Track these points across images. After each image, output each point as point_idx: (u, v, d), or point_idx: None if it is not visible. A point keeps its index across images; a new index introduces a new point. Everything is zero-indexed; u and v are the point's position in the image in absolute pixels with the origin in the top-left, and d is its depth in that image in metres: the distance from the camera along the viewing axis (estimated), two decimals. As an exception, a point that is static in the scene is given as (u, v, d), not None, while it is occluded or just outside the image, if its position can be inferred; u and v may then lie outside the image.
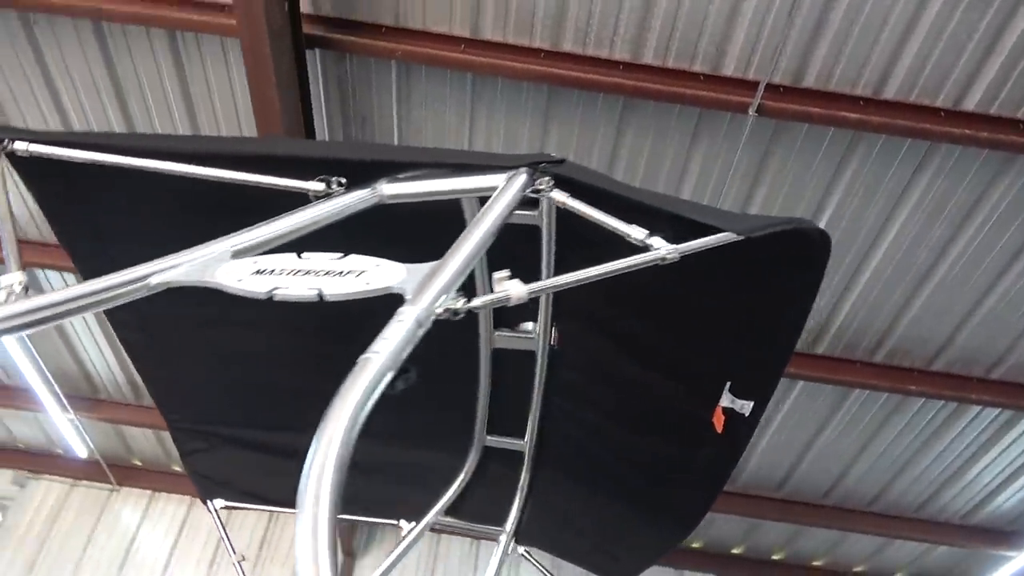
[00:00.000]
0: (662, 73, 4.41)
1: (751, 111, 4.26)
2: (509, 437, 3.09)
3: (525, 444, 2.99)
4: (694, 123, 4.65)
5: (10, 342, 6.48)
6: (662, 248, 1.73)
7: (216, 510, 3.39)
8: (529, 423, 2.90)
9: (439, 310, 1.52)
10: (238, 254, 1.78)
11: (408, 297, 1.52)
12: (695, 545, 8.57)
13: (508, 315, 2.70)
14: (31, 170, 2.20)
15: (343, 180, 2.04)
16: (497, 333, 2.74)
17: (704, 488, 2.65)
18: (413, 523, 3.43)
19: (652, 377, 2.58)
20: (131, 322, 2.73)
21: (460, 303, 1.55)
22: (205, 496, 3.38)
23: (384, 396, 3.08)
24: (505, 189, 1.97)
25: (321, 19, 4.47)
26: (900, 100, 4.32)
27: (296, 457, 2.96)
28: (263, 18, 3.83)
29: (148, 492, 8.60)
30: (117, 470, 8.49)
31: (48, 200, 2.37)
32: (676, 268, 2.18)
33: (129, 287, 1.73)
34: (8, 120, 5.31)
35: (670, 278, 2.09)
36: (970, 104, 4.28)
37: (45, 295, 1.68)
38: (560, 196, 2.01)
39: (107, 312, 2.68)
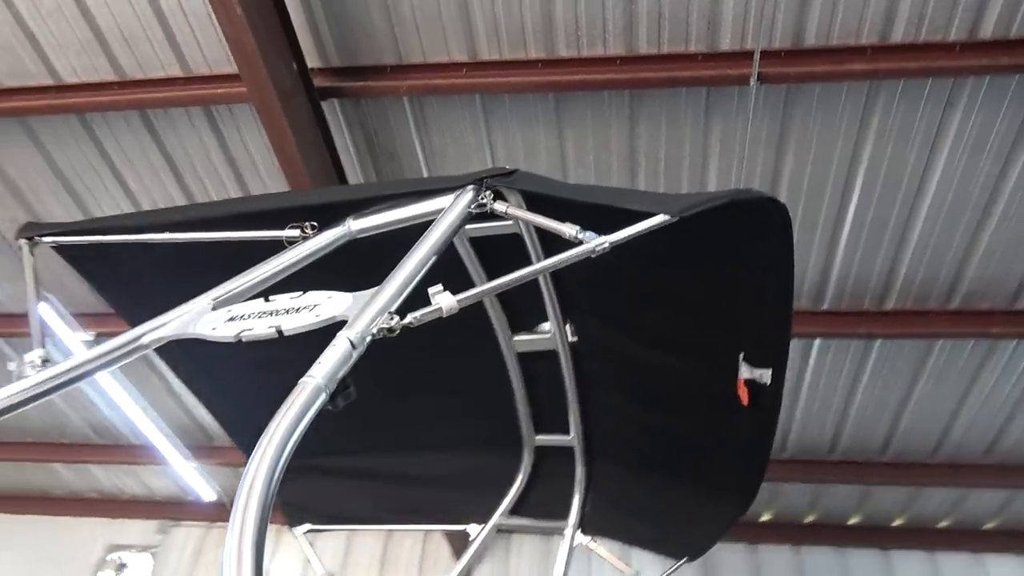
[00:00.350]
0: (659, 60, 4.44)
1: (752, 81, 4.22)
2: (557, 434, 3.22)
3: (572, 439, 3.11)
4: (703, 103, 4.64)
5: (132, 405, 7.18)
6: (592, 241, 1.84)
7: (302, 535, 3.68)
8: (571, 418, 3.01)
9: (374, 331, 1.66)
10: (218, 304, 2.02)
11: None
12: (810, 519, 8.37)
13: (525, 320, 2.85)
14: (65, 253, 2.56)
15: (315, 224, 2.26)
16: (516, 338, 2.88)
17: (750, 460, 2.70)
18: (480, 526, 3.60)
19: (670, 361, 2.67)
20: (191, 371, 3.06)
21: (394, 321, 1.68)
22: (292, 523, 3.68)
23: (432, 409, 3.26)
24: (451, 208, 2.13)
25: (330, 71, 4.77)
26: (909, 42, 4.16)
27: (370, 478, 3.22)
28: (269, 82, 4.15)
29: (275, 526, 9.20)
30: (244, 510, 9.11)
31: (86, 271, 2.73)
32: (663, 258, 2.31)
33: (128, 347, 2.00)
34: (87, 210, 5.91)
35: (659, 268, 2.23)
36: (985, 33, 4.07)
37: (59, 365, 1.97)
38: (501, 207, 2.16)
39: (168, 364, 3.03)
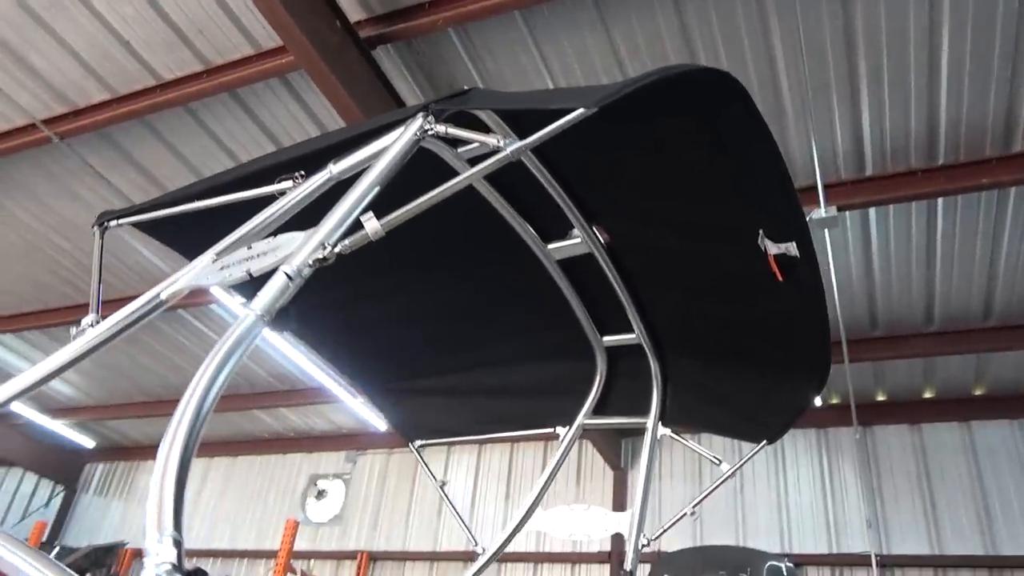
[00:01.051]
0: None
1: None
2: (622, 334, 3.24)
3: (636, 336, 3.14)
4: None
5: (300, 356, 8.11)
6: (509, 148, 1.92)
7: (416, 448, 4.06)
8: (629, 316, 3.03)
9: (310, 262, 1.78)
10: (218, 257, 2.32)
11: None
12: (978, 392, 7.81)
13: (555, 232, 2.94)
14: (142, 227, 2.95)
15: (302, 172, 2.48)
16: (551, 247, 2.95)
17: (811, 337, 2.66)
18: (566, 427, 3.80)
19: (703, 248, 2.62)
20: (291, 325, 3.41)
21: (327, 251, 1.79)
22: (408, 439, 4.08)
23: (503, 327, 3.48)
24: (399, 138, 2.24)
25: (374, 20, 4.96)
26: None
27: (464, 394, 3.53)
28: (309, 45, 4.42)
29: (444, 447, 10.03)
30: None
31: (161, 238, 3.11)
32: (651, 149, 2.31)
33: (150, 304, 2.35)
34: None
35: (652, 159, 2.26)
36: None
37: (99, 325, 2.36)
38: (442, 128, 2.23)
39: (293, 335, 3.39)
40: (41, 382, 2.11)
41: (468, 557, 9.18)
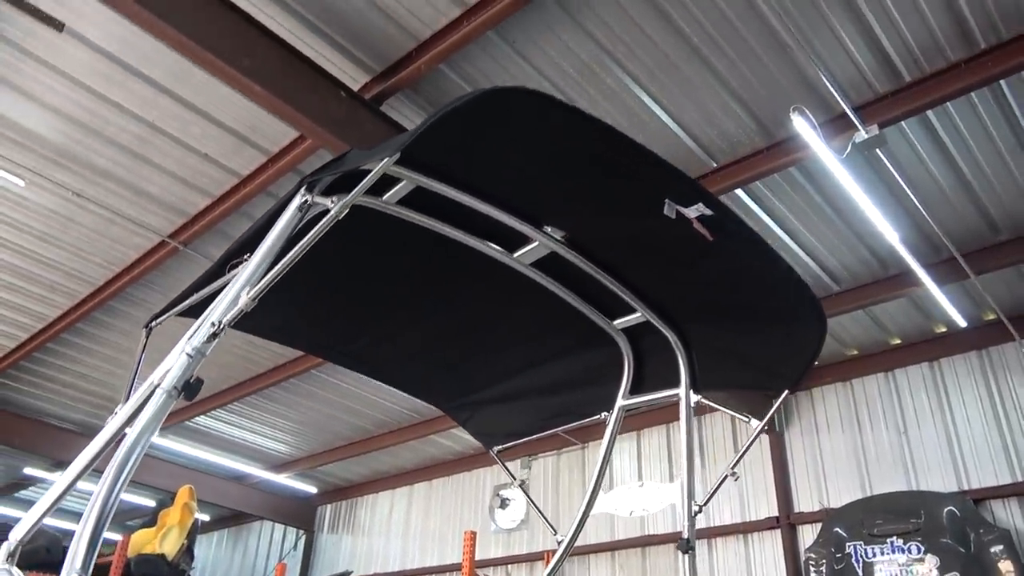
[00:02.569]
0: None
1: None
2: (628, 315, 3.39)
3: (639, 314, 3.27)
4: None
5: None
6: (334, 207, 2.29)
7: (495, 453, 4.50)
8: (624, 296, 3.14)
9: (203, 339, 2.26)
10: (188, 340, 2.86)
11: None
12: None
13: (512, 242, 3.24)
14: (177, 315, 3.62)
15: (248, 255, 2.96)
16: (516, 255, 3.15)
17: (780, 279, 2.75)
18: (609, 412, 4.06)
19: (641, 225, 2.72)
20: (362, 367, 3.91)
21: (216, 328, 2.28)
22: (487, 446, 4.54)
23: (526, 333, 3.89)
24: (280, 218, 2.69)
25: (373, 81, 5.51)
26: None
27: (518, 397, 4.01)
28: (318, 127, 5.05)
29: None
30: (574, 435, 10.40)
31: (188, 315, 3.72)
32: (535, 163, 2.59)
33: (150, 389, 2.92)
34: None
35: (543, 169, 2.54)
36: None
37: (123, 410, 2.98)
38: (323, 200, 2.64)
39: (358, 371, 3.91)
40: (65, 491, 2.73)
41: (643, 543, 9.36)
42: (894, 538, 7.55)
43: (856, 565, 7.68)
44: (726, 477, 3.54)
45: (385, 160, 2.23)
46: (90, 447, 2.85)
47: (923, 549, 7.33)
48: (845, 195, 5.93)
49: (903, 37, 4.97)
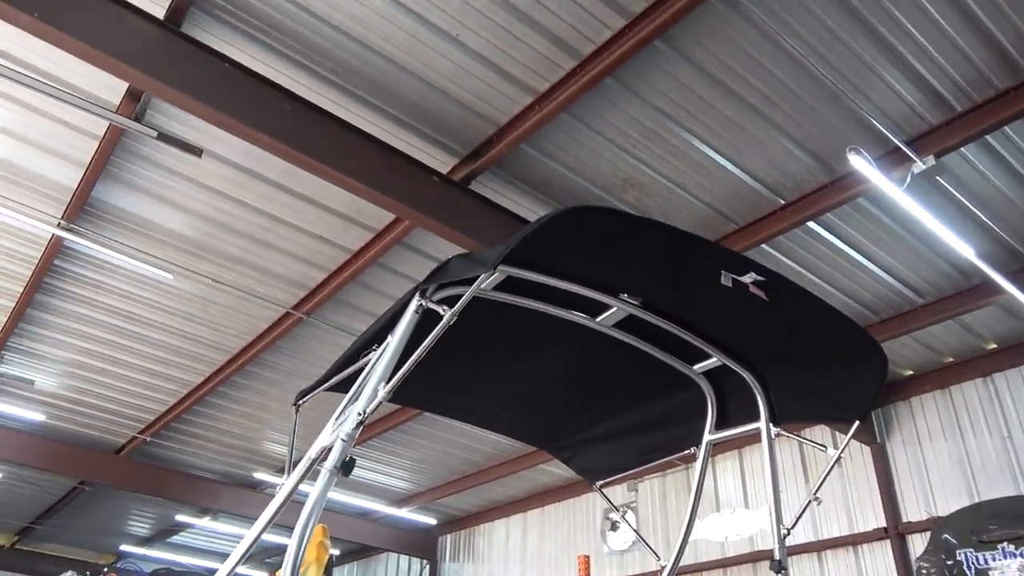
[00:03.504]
0: None
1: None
2: (706, 360, 3.79)
3: (715, 360, 3.70)
4: None
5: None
6: (446, 314, 2.90)
7: (598, 487, 5.04)
8: (698, 344, 3.55)
9: (355, 427, 2.98)
10: (334, 421, 3.54)
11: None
12: None
13: (594, 310, 3.82)
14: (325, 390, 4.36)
15: (376, 345, 3.66)
16: (599, 319, 3.67)
17: (839, 325, 3.19)
18: (698, 447, 4.54)
19: (702, 289, 3.15)
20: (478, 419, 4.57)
21: (363, 416, 2.96)
22: (590, 482, 5.09)
23: (621, 381, 4.48)
24: (400, 323, 3.35)
25: (460, 164, 6.21)
26: None
27: (617, 435, 4.70)
28: (413, 210, 5.77)
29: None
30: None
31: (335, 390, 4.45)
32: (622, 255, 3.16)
33: (307, 464, 3.66)
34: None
35: (625, 260, 3.06)
36: None
37: (288, 481, 3.75)
38: (427, 304, 3.28)
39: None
40: (258, 536, 3.45)
41: (753, 559, 9.62)
42: (1005, 544, 7.57)
43: (968, 572, 7.74)
44: (809, 502, 3.95)
45: (482, 276, 2.84)
46: (268, 510, 3.42)
47: (1037, 554, 7.35)
48: (915, 217, 6.19)
49: (947, 73, 5.27)
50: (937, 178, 5.73)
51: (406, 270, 7.81)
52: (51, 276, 8.07)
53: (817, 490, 3.96)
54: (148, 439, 11.85)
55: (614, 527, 11.69)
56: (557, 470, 12.52)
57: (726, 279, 3.00)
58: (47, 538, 17.85)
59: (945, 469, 8.48)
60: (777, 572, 3.86)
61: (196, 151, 5.91)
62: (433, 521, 15.21)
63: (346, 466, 2.85)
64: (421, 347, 2.88)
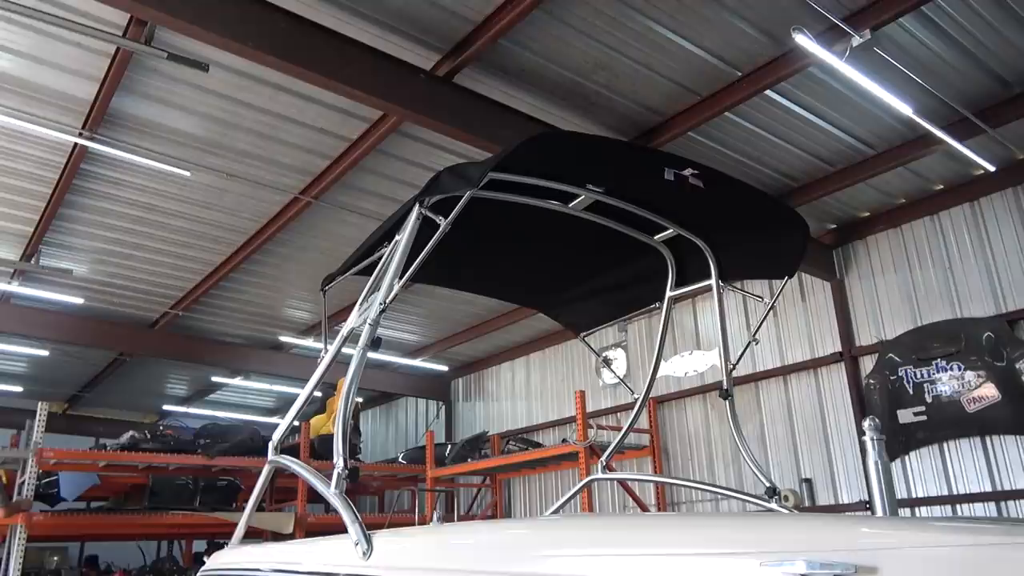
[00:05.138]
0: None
1: None
2: (663, 231, 4.59)
3: (671, 231, 4.48)
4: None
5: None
6: (442, 223, 3.84)
7: (582, 337, 6.07)
8: (657, 220, 4.31)
9: (378, 314, 3.96)
10: (359, 306, 4.55)
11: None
12: None
13: (567, 199, 4.70)
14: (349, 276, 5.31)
15: (387, 241, 4.60)
16: (571, 205, 4.57)
17: (769, 202, 4.11)
18: (662, 302, 5.51)
19: (652, 183, 3.82)
20: (467, 284, 5.55)
21: (384, 305, 3.95)
22: (575, 333, 6.13)
23: (598, 247, 5.40)
24: (403, 232, 4.22)
25: (444, 59, 6.78)
26: None
27: (598, 293, 5.76)
28: (409, 109, 6.44)
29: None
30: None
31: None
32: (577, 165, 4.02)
33: (340, 342, 4.69)
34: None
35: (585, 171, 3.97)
36: None
37: (325, 357, 4.79)
38: (425, 212, 4.15)
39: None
40: (308, 397, 4.47)
41: (703, 391, 11.03)
42: (940, 360, 8.80)
43: (908, 385, 9.03)
44: (749, 343, 4.95)
45: (470, 192, 3.67)
46: (313, 378, 4.17)
47: (964, 367, 8.58)
48: (860, 83, 6.84)
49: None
50: (875, 49, 6.35)
51: (404, 154, 8.52)
52: (79, 178, 8.81)
53: (755, 332, 4.96)
54: (180, 313, 12.99)
55: (607, 363, 13.06)
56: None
57: (668, 174, 3.82)
58: (94, 403, 19.56)
59: (894, 299, 9.57)
60: (725, 398, 4.90)
61: (203, 67, 6.50)
62: (445, 368, 16.71)
63: (374, 343, 3.74)
64: (425, 250, 3.67)
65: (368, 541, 2.86)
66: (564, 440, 12.50)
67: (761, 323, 5.39)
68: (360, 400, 14.73)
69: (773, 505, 4.26)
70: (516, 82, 7.22)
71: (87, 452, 11.40)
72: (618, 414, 12.75)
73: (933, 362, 8.85)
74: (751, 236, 4.59)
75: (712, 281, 4.93)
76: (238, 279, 11.94)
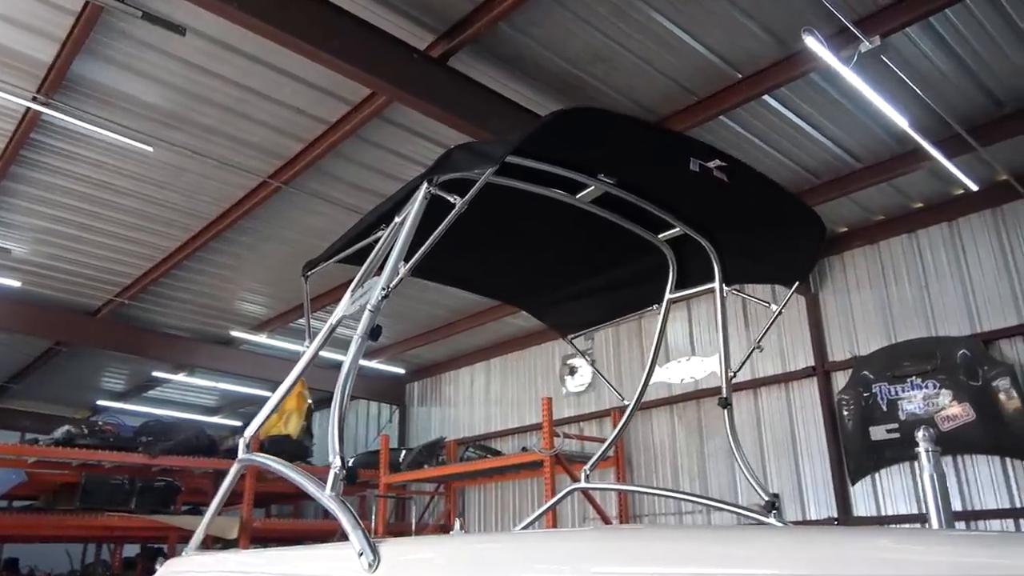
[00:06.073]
0: None
1: None
2: (669, 230, 4.29)
3: (677, 230, 4.19)
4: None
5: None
6: (457, 202, 3.44)
7: (569, 339, 5.74)
8: (666, 218, 4.03)
9: (380, 298, 3.50)
10: (352, 293, 4.12)
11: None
12: None
13: (575, 188, 4.37)
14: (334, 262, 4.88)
15: (385, 225, 4.20)
16: (578, 196, 4.28)
17: (789, 201, 3.71)
18: (660, 304, 5.22)
19: (670, 173, 3.58)
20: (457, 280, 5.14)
21: (387, 290, 3.54)
22: (563, 335, 5.80)
23: (593, 245, 5.05)
24: (413, 205, 3.84)
25: (437, 42, 6.43)
26: None
27: (588, 294, 5.34)
28: (400, 88, 6.05)
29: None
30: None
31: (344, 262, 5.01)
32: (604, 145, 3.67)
33: (328, 331, 4.26)
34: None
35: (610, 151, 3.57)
36: None
37: (311, 346, 4.37)
38: (434, 191, 3.77)
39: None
40: (290, 388, 4.06)
41: (697, 397, 10.82)
42: (914, 377, 8.78)
43: (881, 402, 8.98)
44: (753, 350, 4.71)
45: (489, 171, 3.32)
46: (294, 372, 3.82)
47: (938, 385, 8.56)
48: (860, 91, 6.74)
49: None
50: (882, 57, 6.24)
51: (384, 142, 8.12)
52: (27, 149, 8.14)
53: (760, 339, 4.70)
54: (125, 301, 12.23)
55: (572, 372, 12.79)
56: (518, 321, 13.42)
57: (694, 164, 3.54)
58: (21, 395, 18.42)
59: (869, 315, 9.55)
60: (724, 407, 4.66)
61: (180, 30, 6.02)
62: (402, 370, 16.23)
63: (374, 332, 3.35)
64: (437, 231, 3.32)
65: (374, 551, 2.47)
66: (524, 449, 12.18)
67: (767, 329, 5.14)
68: (311, 402, 14.11)
69: (771, 520, 4.02)
70: (511, 69, 6.90)
71: (16, 447, 10.60)
72: (581, 423, 12.49)
73: (907, 379, 8.82)
74: (762, 237, 4.35)
75: (715, 284, 4.70)
76: (191, 267, 11.28)
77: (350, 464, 2.94)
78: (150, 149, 7.87)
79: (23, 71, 6.94)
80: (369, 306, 3.21)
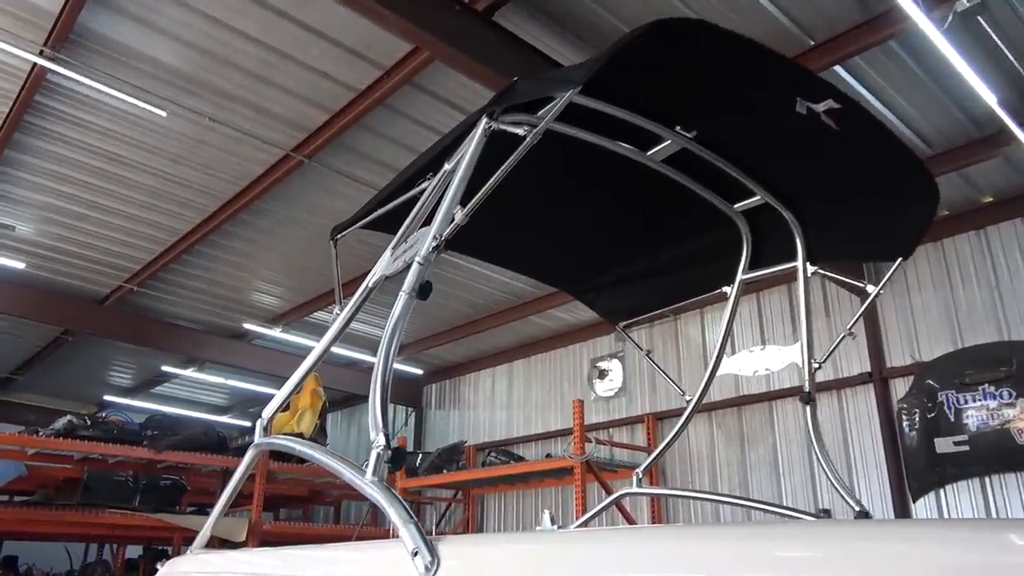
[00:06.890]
0: None
1: None
2: (748, 199, 3.70)
3: (759, 198, 3.61)
4: None
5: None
6: (529, 134, 2.68)
7: (621, 328, 5.10)
8: (745, 182, 3.48)
9: (431, 250, 2.61)
10: (393, 251, 3.42)
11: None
12: None
13: (646, 142, 3.72)
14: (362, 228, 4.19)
15: (431, 173, 3.50)
16: (649, 153, 3.58)
17: (900, 159, 3.11)
18: (731, 286, 4.58)
19: (764, 120, 3.06)
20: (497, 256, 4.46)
21: (439, 240, 2.61)
22: (613, 323, 5.15)
23: (655, 218, 4.36)
24: (470, 142, 3.18)
25: (485, -9, 5.81)
26: None
27: (644, 276, 4.64)
28: (442, 41, 5.43)
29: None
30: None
31: (375, 228, 4.29)
32: (690, 77, 2.99)
33: (364, 292, 3.59)
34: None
35: (693, 83, 2.89)
36: None
37: (343, 312, 3.71)
38: (496, 125, 3.10)
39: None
40: (319, 358, 3.41)
41: (738, 404, 10.10)
42: (985, 385, 8.03)
43: (948, 412, 8.23)
44: (843, 337, 4.05)
45: (571, 92, 2.67)
46: (323, 340, 3.38)
47: (1013, 394, 7.81)
48: (943, 63, 6.05)
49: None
50: (978, 18, 5.57)
51: (413, 112, 7.50)
52: (32, 114, 7.58)
53: (852, 325, 4.03)
54: (135, 288, 11.65)
55: (601, 375, 12.09)
56: (545, 322, 12.76)
57: (801, 106, 2.88)
58: (26, 389, 17.91)
59: (932, 318, 8.81)
60: (806, 403, 4.01)
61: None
62: (419, 371, 15.57)
63: (423, 289, 2.71)
64: (502, 167, 2.72)
65: (432, 551, 1.89)
66: (548, 455, 11.50)
67: (860, 314, 4.45)
68: (326, 400, 13.48)
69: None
70: (559, 29, 6.27)
71: (16, 436, 9.99)
72: (611, 429, 11.78)
73: (978, 387, 8.07)
74: (862, 204, 3.67)
75: (798, 263, 4.04)
76: (204, 253, 10.69)
77: (394, 446, 2.35)
78: (163, 113, 7.28)
79: (28, 21, 6.37)
80: (418, 258, 2.65)
